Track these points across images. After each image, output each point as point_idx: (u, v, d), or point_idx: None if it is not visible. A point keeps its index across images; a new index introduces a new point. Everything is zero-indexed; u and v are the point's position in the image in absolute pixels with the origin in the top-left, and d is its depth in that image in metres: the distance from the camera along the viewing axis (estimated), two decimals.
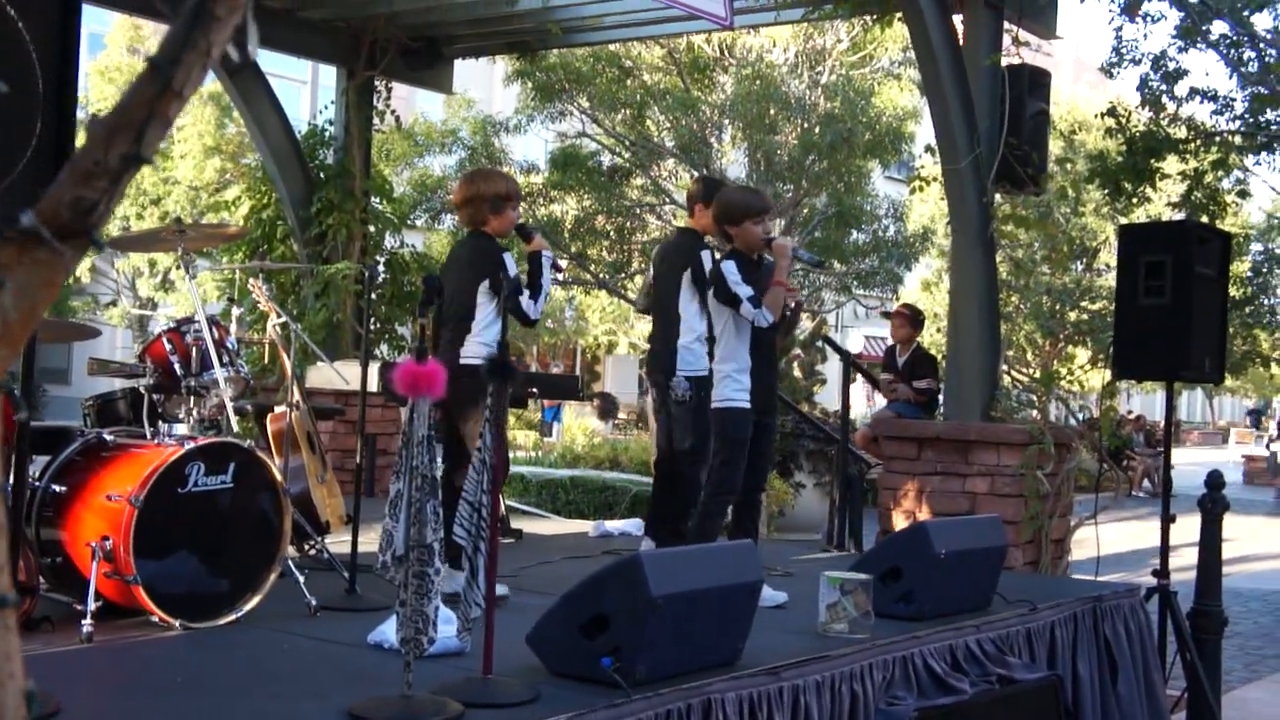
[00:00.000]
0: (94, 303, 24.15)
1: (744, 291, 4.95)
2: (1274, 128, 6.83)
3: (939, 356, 9.14)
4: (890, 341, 9.56)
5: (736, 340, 5.07)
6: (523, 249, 5.19)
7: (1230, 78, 6.76)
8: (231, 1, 1.04)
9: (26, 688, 0.99)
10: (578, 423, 23.89)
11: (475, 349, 4.83)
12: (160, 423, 4.42)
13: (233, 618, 4.05)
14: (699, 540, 5.13)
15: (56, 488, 4.03)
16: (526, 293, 4.87)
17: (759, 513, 5.41)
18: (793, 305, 5.60)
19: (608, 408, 22.19)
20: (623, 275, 13.33)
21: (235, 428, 4.52)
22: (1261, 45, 6.52)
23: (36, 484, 4.05)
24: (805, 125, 12.06)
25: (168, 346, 4.47)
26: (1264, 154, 7.01)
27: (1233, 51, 6.56)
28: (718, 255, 5.29)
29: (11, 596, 1.02)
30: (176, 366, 4.45)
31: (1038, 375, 7.81)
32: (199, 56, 1.02)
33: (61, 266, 1.03)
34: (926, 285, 23.15)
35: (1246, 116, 6.88)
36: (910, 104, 13.45)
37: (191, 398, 4.45)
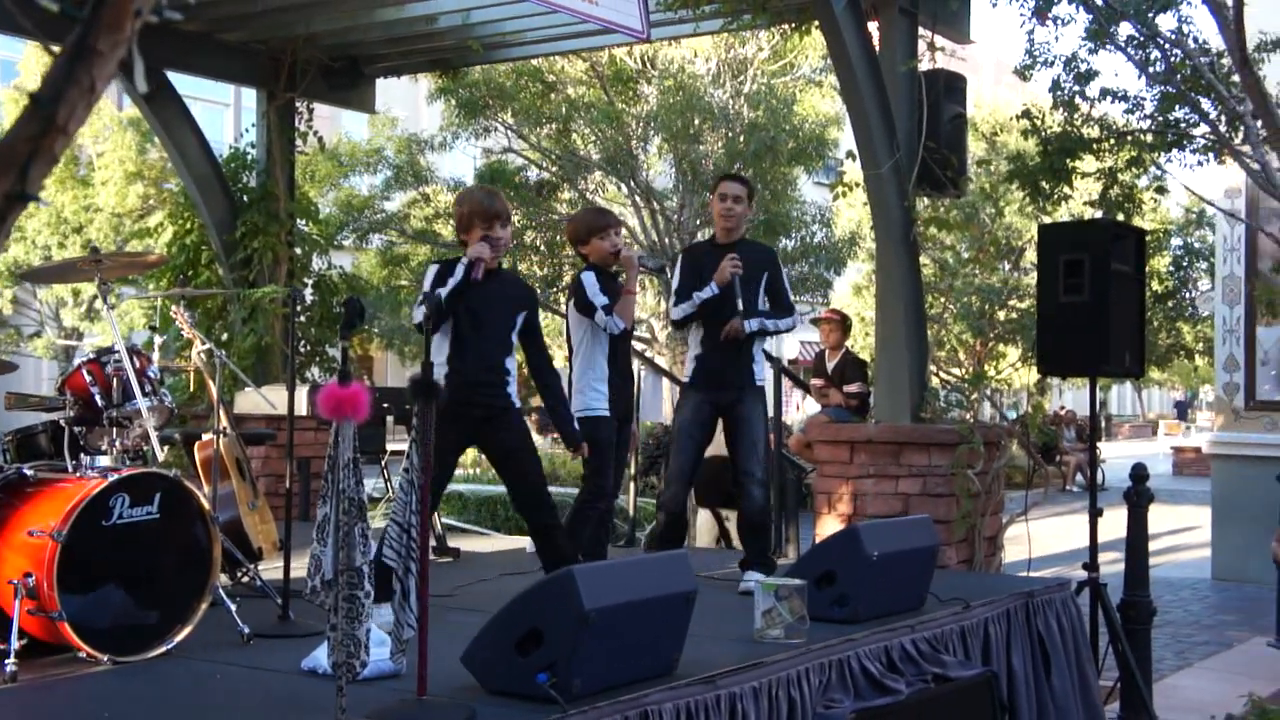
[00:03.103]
0: (17, 335, 23.69)
1: (599, 301, 5.32)
2: (1182, 126, 6.98)
3: (870, 360, 9.23)
4: (823, 347, 9.66)
5: (595, 350, 5.38)
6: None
7: (1139, 78, 6.89)
8: (115, 37, 1.03)
9: None
10: None
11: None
12: (82, 455, 4.36)
13: (163, 650, 4.00)
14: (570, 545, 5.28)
15: None
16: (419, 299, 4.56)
17: (611, 518, 5.87)
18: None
19: (546, 422, 22.13)
20: (554, 290, 13.32)
21: (161, 457, 4.47)
22: (1166, 46, 6.66)
23: None
24: (730, 134, 12.14)
25: (87, 378, 4.41)
26: (1174, 151, 7.15)
27: (1140, 52, 6.70)
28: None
29: None
30: (97, 398, 4.40)
31: (969, 375, 7.91)
32: (82, 93, 1.02)
33: None
34: (857, 289, 23.32)
35: (1156, 115, 7.03)
36: (832, 110, 13.59)
37: (114, 429, 4.40)
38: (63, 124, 1.03)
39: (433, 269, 4.73)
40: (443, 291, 4.52)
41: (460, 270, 4.59)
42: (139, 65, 1.09)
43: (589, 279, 5.37)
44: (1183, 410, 53.05)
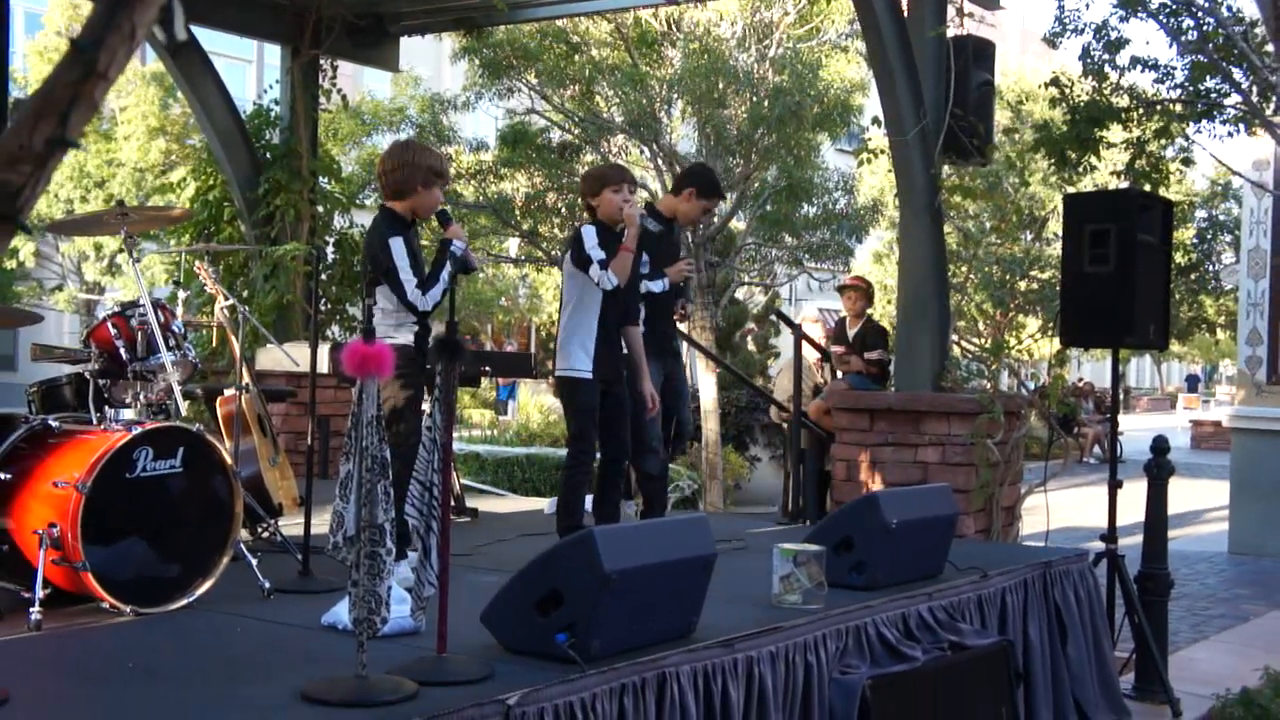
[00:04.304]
0: (39, 288, 23.79)
1: (595, 255, 5.23)
2: (1213, 96, 6.91)
3: (889, 328, 9.20)
4: (843, 314, 9.62)
5: (585, 307, 5.30)
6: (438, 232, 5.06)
7: (1170, 47, 6.82)
8: None
9: None
10: (533, 400, 23.84)
11: (383, 329, 4.68)
12: (107, 408, 4.38)
13: (185, 602, 4.04)
14: (564, 514, 5.35)
15: (2, 475, 3.99)
16: (414, 281, 4.64)
17: (622, 481, 5.68)
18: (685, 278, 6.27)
19: None
20: None
21: (184, 411, 4.49)
22: (1199, 14, 6.58)
23: None
24: (754, 99, 12.01)
25: (112, 331, 4.43)
26: (1204, 122, 7.08)
27: (1172, 20, 6.62)
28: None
29: None
30: (122, 351, 4.41)
31: (989, 345, 7.88)
32: (123, 39, 1.01)
33: None
34: (878, 257, 23.25)
35: (1186, 85, 6.96)
36: (858, 76, 13.47)
37: (138, 382, 4.41)
38: (103, 70, 1.02)
39: (401, 242, 4.66)
40: (442, 280, 4.67)
41: (456, 257, 4.66)
42: (179, 12, 1.08)
43: (589, 232, 5.30)
44: (1193, 384, 52.69)
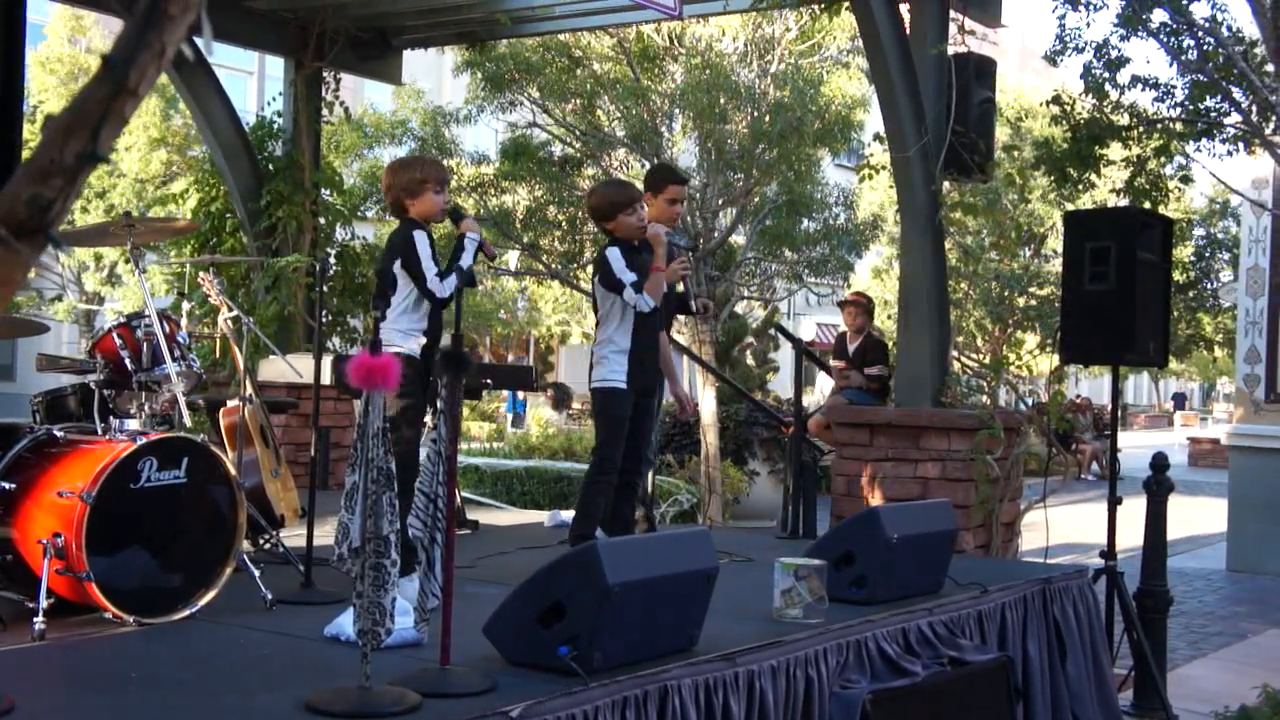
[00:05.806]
0: (38, 298, 23.82)
1: (627, 278, 5.27)
2: (1213, 115, 6.94)
3: (889, 343, 9.22)
4: (843, 329, 9.64)
5: (619, 323, 5.36)
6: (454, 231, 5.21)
7: (1170, 65, 6.87)
8: (185, 1, 1.04)
9: None
10: (532, 413, 23.87)
11: (390, 335, 4.80)
12: (111, 418, 4.39)
13: (187, 613, 4.04)
14: (580, 521, 5.34)
15: (6, 485, 4.00)
16: (434, 269, 4.83)
17: (636, 495, 5.70)
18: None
19: (561, 398, 22.20)
20: (575, 265, 13.33)
21: (188, 422, 4.50)
22: (1200, 34, 6.62)
23: None
24: (755, 114, 12.04)
25: (118, 341, 4.44)
26: (1203, 140, 7.11)
27: (1172, 40, 6.66)
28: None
29: None
30: (127, 361, 4.43)
31: (987, 361, 7.90)
32: (153, 56, 1.03)
33: (19, 265, 1.04)
34: (877, 273, 23.30)
35: (1186, 104, 6.99)
36: (859, 92, 13.51)
37: (143, 393, 4.43)
38: (134, 86, 1.04)
39: (424, 235, 4.92)
40: (462, 268, 4.81)
41: (470, 252, 4.91)
42: (207, 29, 1.10)
43: (614, 255, 5.33)
44: (1180, 401, 52.75)
